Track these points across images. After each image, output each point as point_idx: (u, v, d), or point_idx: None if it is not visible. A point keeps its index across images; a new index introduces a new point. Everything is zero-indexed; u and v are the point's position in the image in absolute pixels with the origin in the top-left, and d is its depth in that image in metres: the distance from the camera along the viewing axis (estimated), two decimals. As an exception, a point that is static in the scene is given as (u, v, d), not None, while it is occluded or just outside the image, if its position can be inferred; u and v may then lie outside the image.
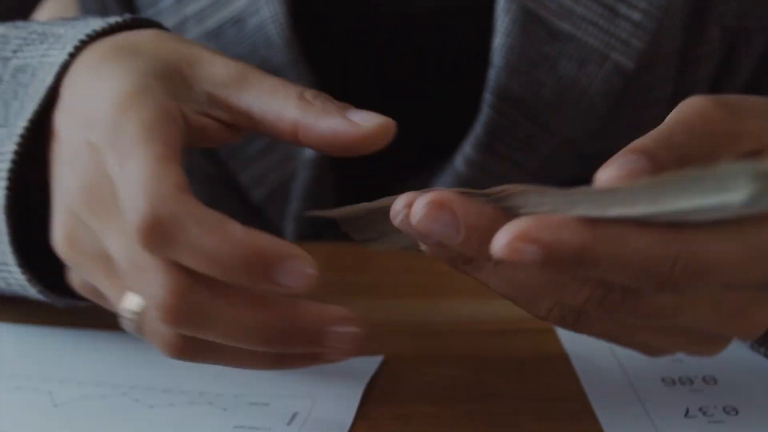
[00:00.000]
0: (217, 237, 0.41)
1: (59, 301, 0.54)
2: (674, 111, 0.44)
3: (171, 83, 0.47)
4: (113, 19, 0.52)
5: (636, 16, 0.65)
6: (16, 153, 0.50)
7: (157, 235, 0.41)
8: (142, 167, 0.43)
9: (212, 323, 0.43)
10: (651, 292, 0.41)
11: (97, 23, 0.52)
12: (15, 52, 0.53)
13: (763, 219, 0.40)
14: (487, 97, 0.66)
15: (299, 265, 0.41)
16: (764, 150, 0.43)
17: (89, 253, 0.47)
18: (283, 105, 0.47)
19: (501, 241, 0.38)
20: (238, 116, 0.48)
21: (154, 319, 0.43)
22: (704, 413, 0.49)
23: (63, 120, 0.49)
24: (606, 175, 0.40)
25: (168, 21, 0.68)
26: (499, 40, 0.65)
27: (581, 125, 0.67)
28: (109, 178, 0.45)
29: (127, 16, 0.53)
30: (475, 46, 0.68)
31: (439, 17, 0.69)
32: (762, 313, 0.43)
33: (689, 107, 0.44)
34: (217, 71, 0.49)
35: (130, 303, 0.45)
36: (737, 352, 0.53)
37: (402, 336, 0.57)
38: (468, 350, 0.55)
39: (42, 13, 0.75)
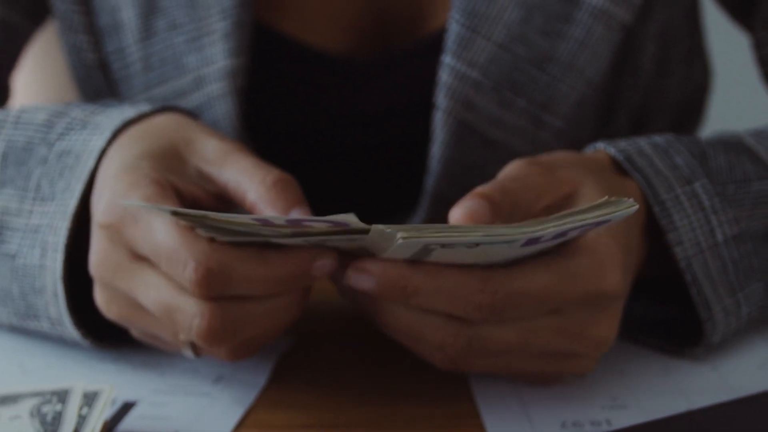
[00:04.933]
0: (262, 266, 0.52)
1: (105, 346, 0.63)
2: (501, 171, 0.57)
3: (166, 161, 0.58)
4: (145, 108, 0.63)
5: (558, 123, 0.74)
6: (69, 230, 0.59)
7: (213, 282, 0.52)
8: (170, 235, 0.53)
9: (247, 317, 0.53)
10: (480, 322, 0.52)
11: (129, 112, 0.62)
12: (60, 136, 0.63)
13: (572, 251, 0.53)
14: (424, 199, 0.75)
15: (324, 260, 0.53)
16: (577, 192, 0.57)
17: (130, 309, 0.57)
18: (247, 187, 0.57)
19: (348, 273, 0.52)
20: (222, 190, 0.58)
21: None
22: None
23: (93, 201, 0.58)
24: (456, 215, 0.53)
25: (138, 98, 0.77)
26: (436, 150, 0.73)
27: None
28: (122, 248, 0.55)
29: (156, 105, 0.63)
30: (415, 145, 0.76)
31: (380, 119, 0.78)
32: (602, 329, 0.55)
33: (511, 167, 0.57)
34: (206, 150, 0.59)
35: (183, 336, 0.55)
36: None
37: (316, 318, 0.68)
38: (370, 332, 0.66)
39: (24, 74, 0.84)
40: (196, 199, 0.58)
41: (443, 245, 0.50)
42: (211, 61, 0.74)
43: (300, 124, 0.80)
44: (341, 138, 0.80)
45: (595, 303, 0.54)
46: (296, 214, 0.55)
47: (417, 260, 0.52)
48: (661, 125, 0.82)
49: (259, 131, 0.78)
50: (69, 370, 0.62)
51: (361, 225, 0.50)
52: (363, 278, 0.52)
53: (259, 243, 0.53)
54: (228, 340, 0.53)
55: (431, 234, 0.49)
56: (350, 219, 0.50)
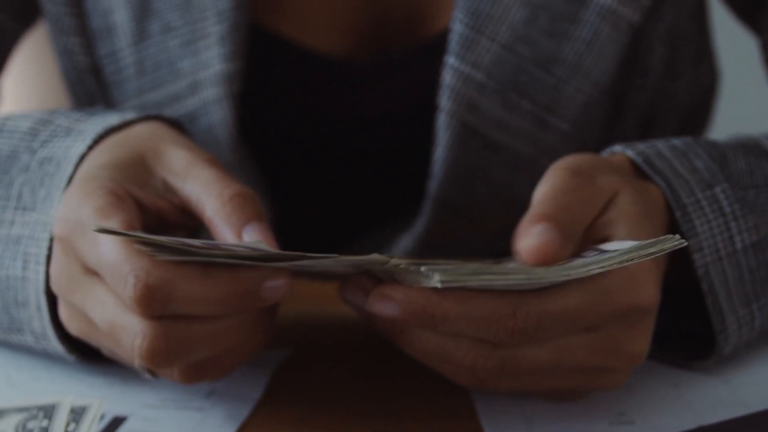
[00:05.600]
0: (206, 285, 0.50)
1: (92, 364, 0.60)
2: (542, 183, 0.55)
3: (130, 171, 0.56)
4: (129, 116, 0.61)
5: (564, 126, 0.72)
6: (51, 240, 0.57)
7: (154, 300, 0.49)
8: (114, 249, 0.51)
9: (192, 338, 0.51)
10: (512, 345, 0.50)
11: (113, 119, 0.61)
12: (43, 143, 0.61)
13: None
14: (427, 204, 0.73)
15: (276, 281, 0.51)
16: (615, 198, 0.55)
17: (87, 326, 0.55)
18: (205, 201, 0.55)
19: (370, 300, 0.50)
20: (185, 203, 0.57)
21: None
22: None
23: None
24: (526, 247, 0.51)
25: (131, 103, 0.76)
26: (439, 153, 0.72)
27: (513, 221, 0.71)
28: (75, 262, 0.53)
29: (141, 113, 0.62)
30: (417, 149, 0.75)
31: (381, 122, 0.77)
32: (636, 343, 0.53)
33: (554, 178, 0.55)
34: (172, 161, 0.57)
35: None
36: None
37: (312, 330, 0.66)
38: (370, 343, 0.64)
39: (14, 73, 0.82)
40: (160, 211, 0.57)
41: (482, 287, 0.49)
42: (206, 66, 0.72)
43: (299, 129, 0.78)
44: (341, 142, 0.78)
45: (629, 317, 0.52)
46: (251, 229, 0.53)
47: None
48: (669, 128, 0.81)
49: (257, 136, 0.76)
50: (57, 383, 0.60)
51: (272, 251, 0.49)
52: (387, 305, 0.50)
53: (222, 263, 0.50)
54: (173, 362, 0.51)
55: (471, 278, 0.47)
56: (260, 245, 0.49)
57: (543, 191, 0.54)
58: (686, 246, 0.57)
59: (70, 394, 0.55)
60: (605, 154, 0.62)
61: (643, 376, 0.60)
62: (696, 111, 0.84)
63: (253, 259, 0.50)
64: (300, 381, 0.60)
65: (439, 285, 0.47)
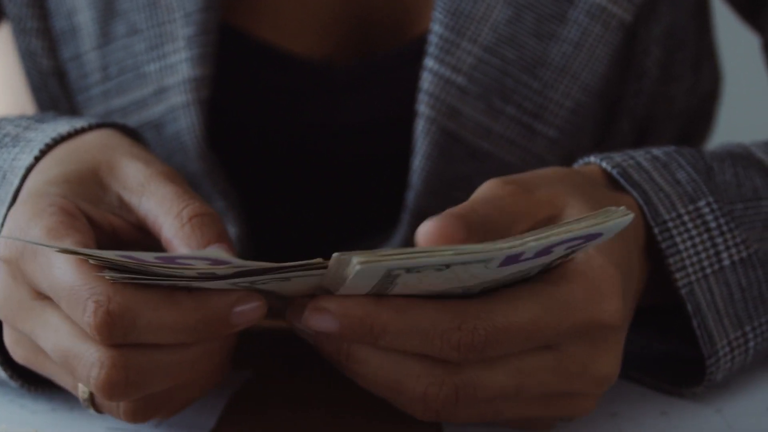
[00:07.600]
0: (172, 311, 0.47)
1: (38, 391, 0.56)
2: (474, 193, 0.51)
3: (83, 186, 0.53)
4: (80, 123, 0.57)
5: (552, 133, 0.69)
6: None
7: (115, 327, 0.46)
8: (70, 273, 0.47)
9: (154, 368, 0.47)
10: (461, 363, 0.46)
11: (62, 128, 0.57)
12: None
13: (560, 277, 0.48)
14: (406, 216, 0.70)
15: (248, 304, 0.47)
16: (561, 213, 0.51)
17: (34, 353, 0.51)
18: (163, 221, 0.52)
19: (305, 316, 0.47)
20: (142, 221, 0.53)
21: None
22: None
23: None
24: (424, 229, 0.47)
25: (96, 108, 0.72)
26: (418, 163, 0.68)
27: None
28: (23, 286, 0.50)
29: (92, 120, 0.58)
30: (398, 157, 0.71)
31: (361, 130, 0.74)
32: (602, 363, 0.49)
33: (483, 188, 0.51)
34: (127, 176, 0.54)
35: (82, 389, 0.50)
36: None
37: (273, 351, 0.62)
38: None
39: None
40: (115, 229, 0.53)
41: (408, 269, 0.44)
42: (173, 71, 0.69)
43: (273, 136, 0.74)
44: (318, 151, 0.74)
45: (592, 335, 0.48)
46: (213, 250, 0.50)
47: (381, 294, 0.46)
48: (668, 135, 0.77)
49: (228, 144, 0.73)
50: (-2, 409, 0.56)
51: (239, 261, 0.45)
52: (322, 318, 0.47)
53: (181, 287, 0.47)
54: (131, 394, 0.47)
55: (393, 258, 0.43)
56: (220, 253, 0.46)
57: (469, 200, 0.51)
58: (668, 265, 0.53)
59: (5, 421, 0.51)
60: (578, 164, 0.58)
61: (628, 403, 0.56)
62: (696, 117, 0.80)
63: (211, 278, 0.46)
64: (259, 407, 0.56)
65: (358, 267, 0.43)
